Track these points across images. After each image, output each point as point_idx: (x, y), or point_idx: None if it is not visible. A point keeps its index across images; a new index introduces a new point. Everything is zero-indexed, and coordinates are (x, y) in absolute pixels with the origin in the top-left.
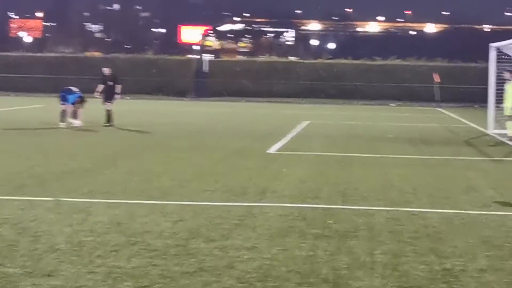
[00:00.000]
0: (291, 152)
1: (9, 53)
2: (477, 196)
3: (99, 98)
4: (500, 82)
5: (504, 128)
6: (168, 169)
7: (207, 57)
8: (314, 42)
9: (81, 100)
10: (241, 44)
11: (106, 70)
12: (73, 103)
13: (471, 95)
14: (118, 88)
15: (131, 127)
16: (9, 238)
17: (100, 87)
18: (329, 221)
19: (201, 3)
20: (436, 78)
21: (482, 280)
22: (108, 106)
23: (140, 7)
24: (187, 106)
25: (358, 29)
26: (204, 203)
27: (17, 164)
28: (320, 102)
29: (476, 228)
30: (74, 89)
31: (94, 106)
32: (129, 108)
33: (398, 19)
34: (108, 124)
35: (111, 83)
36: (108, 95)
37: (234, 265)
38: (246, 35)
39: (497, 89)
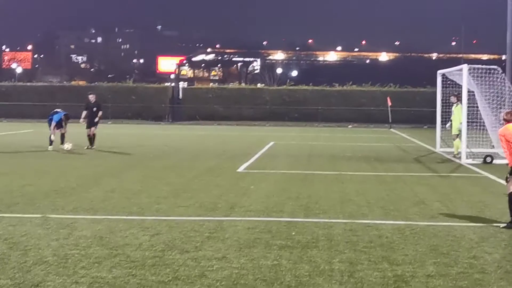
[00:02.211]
0: (258, 170)
1: (2, 83)
2: (425, 209)
3: (83, 123)
4: (446, 105)
5: (450, 147)
6: (146, 187)
7: (182, 85)
8: (278, 70)
9: (66, 118)
10: (213, 72)
11: (91, 97)
12: (58, 121)
13: (420, 117)
14: (100, 114)
15: (112, 149)
16: (0, 252)
17: (84, 113)
18: (292, 233)
19: (177, 35)
20: (389, 102)
21: (430, 285)
22: (92, 130)
23: (120, 40)
24: (163, 130)
25: (319, 58)
26: (178, 218)
27: (9, 184)
28: (284, 124)
29: (424, 238)
30: (58, 110)
31: (80, 130)
32: (111, 132)
33: (355, 49)
34: (91, 147)
35: (94, 109)
36: (91, 121)
37: (206, 274)
38: (217, 65)
39: (443, 111)
